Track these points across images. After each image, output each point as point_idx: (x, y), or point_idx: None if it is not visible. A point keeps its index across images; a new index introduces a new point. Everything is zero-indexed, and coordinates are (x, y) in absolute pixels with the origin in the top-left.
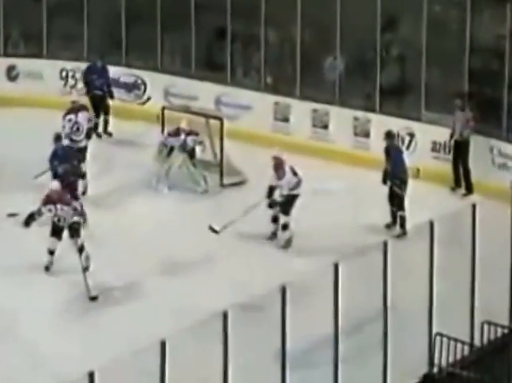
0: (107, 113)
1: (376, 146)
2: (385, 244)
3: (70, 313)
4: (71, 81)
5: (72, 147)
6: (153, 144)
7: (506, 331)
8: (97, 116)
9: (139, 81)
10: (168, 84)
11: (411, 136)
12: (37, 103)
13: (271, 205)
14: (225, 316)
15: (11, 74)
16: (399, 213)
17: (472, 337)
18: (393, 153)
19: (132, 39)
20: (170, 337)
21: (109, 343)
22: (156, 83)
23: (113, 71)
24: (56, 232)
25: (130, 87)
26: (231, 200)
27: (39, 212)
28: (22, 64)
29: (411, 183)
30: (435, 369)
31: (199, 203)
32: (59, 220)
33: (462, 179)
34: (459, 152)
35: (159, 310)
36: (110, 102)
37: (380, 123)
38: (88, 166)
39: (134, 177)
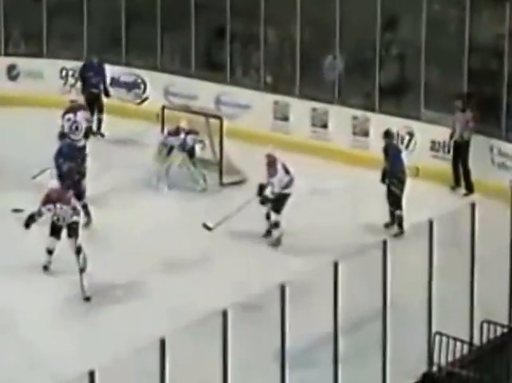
0: (101, 112)
1: (376, 145)
2: (385, 243)
3: (69, 313)
4: (71, 80)
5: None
6: (153, 143)
7: (505, 330)
8: (91, 114)
9: (139, 80)
10: (168, 83)
11: (411, 135)
12: (37, 102)
13: (263, 202)
14: (224, 315)
15: (12, 73)
16: (397, 212)
17: (471, 337)
18: (392, 152)
19: (132, 38)
20: (169, 336)
21: (108, 342)
22: (156, 82)
23: (113, 70)
24: (55, 232)
25: (130, 86)
26: (231, 199)
27: (39, 213)
28: (23, 63)
29: (411, 182)
30: (435, 368)
31: (199, 201)
32: (58, 219)
33: (462, 179)
34: (459, 152)
35: (158, 309)
36: (105, 100)
37: (380, 122)
38: (87, 165)
39: (134, 176)
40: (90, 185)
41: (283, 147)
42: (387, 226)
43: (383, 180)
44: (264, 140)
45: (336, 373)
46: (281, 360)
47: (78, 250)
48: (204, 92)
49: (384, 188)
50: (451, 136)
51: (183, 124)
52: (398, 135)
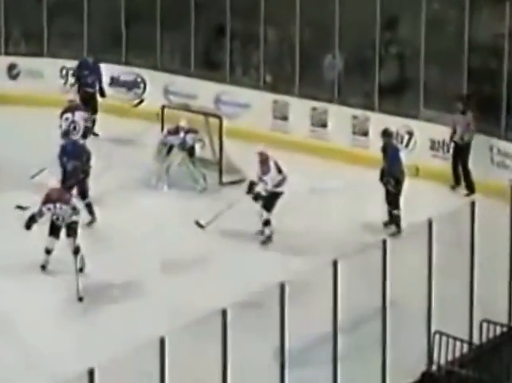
0: (95, 112)
1: (375, 144)
2: (384, 242)
3: (67, 313)
4: (71, 80)
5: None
6: (153, 142)
7: (504, 329)
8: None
9: (139, 80)
10: (168, 82)
11: (410, 134)
12: (37, 101)
13: (256, 198)
14: (224, 314)
15: (12, 73)
16: (394, 212)
17: (471, 336)
18: (390, 151)
19: (132, 37)
20: (169, 335)
21: (107, 342)
22: (156, 81)
23: (113, 69)
24: (54, 231)
25: (130, 85)
26: (230, 198)
27: (40, 213)
28: (23, 62)
29: (410, 182)
30: (434, 367)
31: (198, 201)
32: (57, 219)
33: (461, 179)
34: (459, 154)
35: (157, 309)
36: (104, 100)
37: (379, 121)
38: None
39: (133, 175)
40: (90, 184)
41: (282, 146)
42: (385, 225)
43: (381, 179)
44: (263, 139)
45: (336, 372)
46: (281, 359)
47: (76, 251)
48: (204, 91)
49: (383, 187)
50: (451, 137)
51: (183, 123)
52: (397, 134)
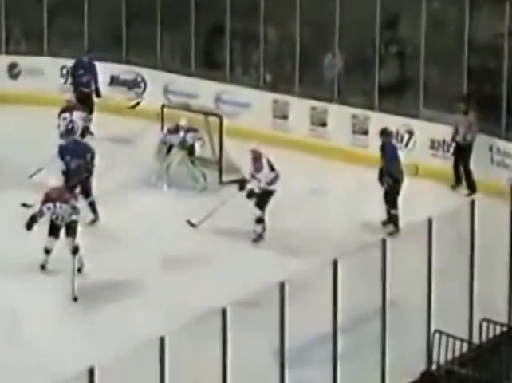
0: (91, 112)
1: (375, 144)
2: (384, 242)
3: (66, 312)
4: (70, 79)
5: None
6: (153, 141)
7: (504, 329)
8: None
9: (139, 79)
10: (168, 81)
11: (410, 133)
12: (38, 100)
13: (250, 195)
14: (224, 313)
15: (13, 72)
16: (392, 211)
17: (471, 335)
18: (388, 151)
19: (132, 37)
20: (168, 334)
21: (106, 341)
22: (156, 80)
23: (113, 68)
24: (54, 231)
25: (130, 84)
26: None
27: (40, 213)
28: (24, 61)
29: (410, 181)
30: (434, 367)
31: (198, 200)
32: (57, 218)
33: (462, 178)
34: (461, 154)
35: (157, 308)
36: (101, 99)
37: (379, 120)
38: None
39: (133, 175)
40: None
41: (282, 145)
42: (383, 224)
43: (380, 179)
44: (263, 138)
45: (335, 372)
46: (280, 358)
47: (75, 250)
48: (204, 90)
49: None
50: (453, 137)
51: (183, 123)
52: (397, 133)
